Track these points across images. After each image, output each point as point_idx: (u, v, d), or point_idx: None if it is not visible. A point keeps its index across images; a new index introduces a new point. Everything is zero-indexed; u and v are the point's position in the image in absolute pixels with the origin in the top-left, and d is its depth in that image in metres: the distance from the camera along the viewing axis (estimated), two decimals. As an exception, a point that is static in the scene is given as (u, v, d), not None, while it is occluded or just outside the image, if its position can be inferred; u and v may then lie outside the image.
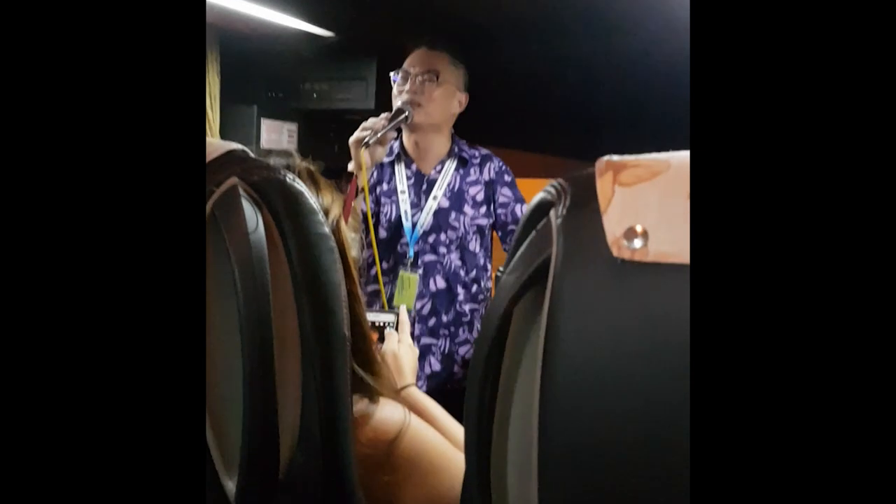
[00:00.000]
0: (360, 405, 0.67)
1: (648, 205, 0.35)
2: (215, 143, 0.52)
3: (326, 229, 0.53)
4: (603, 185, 0.37)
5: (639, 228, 0.35)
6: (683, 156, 0.37)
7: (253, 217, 0.50)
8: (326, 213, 0.70)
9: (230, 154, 0.51)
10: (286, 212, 0.52)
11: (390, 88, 1.90)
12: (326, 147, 2.33)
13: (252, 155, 0.53)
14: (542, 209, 0.41)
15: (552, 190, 0.40)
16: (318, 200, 0.71)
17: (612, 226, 0.36)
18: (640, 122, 1.94)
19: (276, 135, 2.14)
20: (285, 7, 1.73)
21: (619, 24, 1.70)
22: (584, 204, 0.38)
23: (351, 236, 0.74)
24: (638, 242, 0.35)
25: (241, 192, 0.50)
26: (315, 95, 2.12)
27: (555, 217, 0.39)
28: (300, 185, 0.53)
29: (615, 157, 0.38)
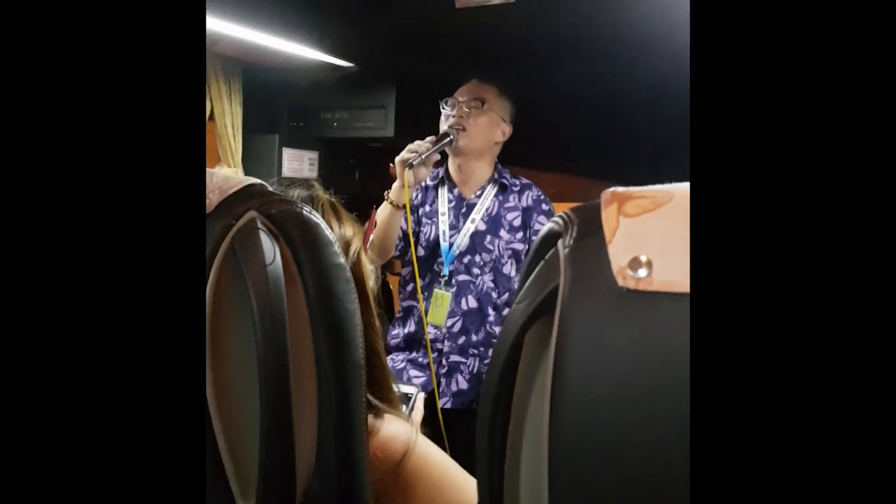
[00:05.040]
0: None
1: (652, 235, 0.36)
2: (234, 178, 0.53)
3: (342, 260, 0.55)
4: (608, 215, 0.38)
5: (643, 258, 0.35)
6: (685, 187, 0.37)
7: (271, 249, 0.51)
8: (348, 244, 0.72)
9: (249, 188, 0.53)
10: (303, 243, 0.53)
11: (409, 116, 1.93)
12: (347, 175, 2.36)
13: (270, 189, 0.55)
14: (551, 240, 0.41)
15: (560, 221, 0.41)
16: (341, 232, 0.73)
17: (618, 256, 0.36)
18: (660, 142, 1.95)
19: (298, 163, 2.17)
20: (305, 38, 1.77)
21: (636, 48, 1.71)
22: (591, 234, 0.38)
23: (369, 268, 0.75)
24: (642, 272, 0.35)
25: (260, 224, 0.51)
26: (335, 124, 2.15)
27: (562, 247, 0.39)
28: (316, 218, 0.54)
29: (620, 189, 0.39)
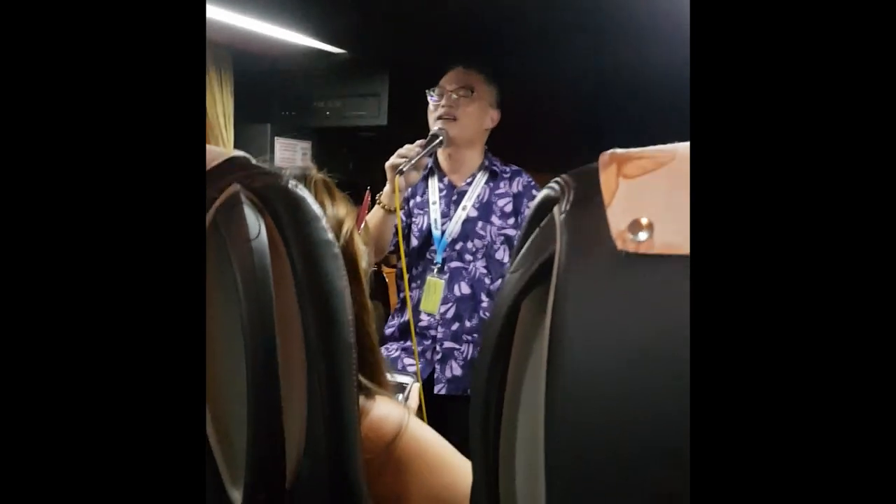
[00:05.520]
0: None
1: (654, 196, 0.34)
2: (217, 151, 0.51)
3: (330, 236, 0.53)
4: (607, 177, 0.36)
5: (644, 221, 0.34)
6: (689, 146, 0.36)
7: (255, 224, 0.49)
8: (341, 224, 0.70)
9: (232, 161, 0.51)
10: (289, 218, 0.51)
11: (402, 104, 1.91)
12: (340, 164, 2.34)
13: (254, 161, 0.53)
14: (546, 206, 0.40)
15: (556, 186, 0.39)
16: (333, 211, 0.71)
17: (617, 219, 0.35)
18: (648, 129, 1.94)
19: (290, 153, 2.15)
20: (297, 26, 1.75)
21: (624, 33, 1.70)
22: (588, 198, 0.37)
23: (362, 248, 0.74)
24: (643, 235, 0.33)
25: (244, 198, 0.49)
26: (328, 113, 2.13)
27: (558, 213, 0.38)
28: (303, 191, 0.52)
29: (619, 150, 0.38)
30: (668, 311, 0.32)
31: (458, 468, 0.67)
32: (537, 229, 0.40)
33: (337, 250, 0.53)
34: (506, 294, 0.39)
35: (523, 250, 0.40)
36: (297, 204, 0.51)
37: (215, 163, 0.50)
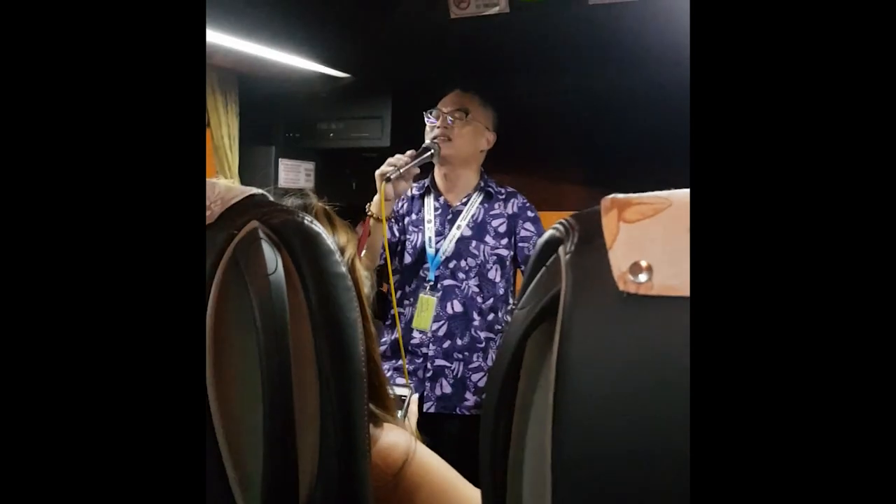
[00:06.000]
0: None
1: (652, 240, 0.37)
2: (237, 189, 0.54)
3: (343, 269, 0.55)
4: (608, 222, 0.39)
5: (643, 263, 0.36)
6: (684, 193, 0.38)
7: (273, 259, 0.52)
8: (342, 251, 0.72)
9: (251, 198, 0.53)
10: (304, 253, 0.53)
11: (405, 126, 1.95)
12: (344, 185, 2.37)
13: (272, 199, 0.55)
14: (552, 246, 0.42)
15: (561, 227, 0.42)
16: (335, 239, 0.73)
17: (618, 261, 0.37)
18: (650, 152, 1.96)
19: (294, 174, 2.18)
20: (301, 50, 1.78)
21: (626, 58, 1.73)
22: (591, 240, 0.39)
23: (364, 274, 0.76)
24: (643, 277, 0.36)
25: (262, 234, 0.52)
26: (331, 135, 2.16)
27: (563, 253, 0.40)
28: (318, 227, 0.55)
29: (619, 196, 0.40)
30: (668, 348, 0.34)
31: (465, 496, 0.69)
32: (543, 268, 0.42)
33: (350, 283, 0.55)
34: (514, 330, 0.41)
35: (530, 288, 0.42)
36: (312, 239, 0.54)
37: (235, 200, 0.53)
